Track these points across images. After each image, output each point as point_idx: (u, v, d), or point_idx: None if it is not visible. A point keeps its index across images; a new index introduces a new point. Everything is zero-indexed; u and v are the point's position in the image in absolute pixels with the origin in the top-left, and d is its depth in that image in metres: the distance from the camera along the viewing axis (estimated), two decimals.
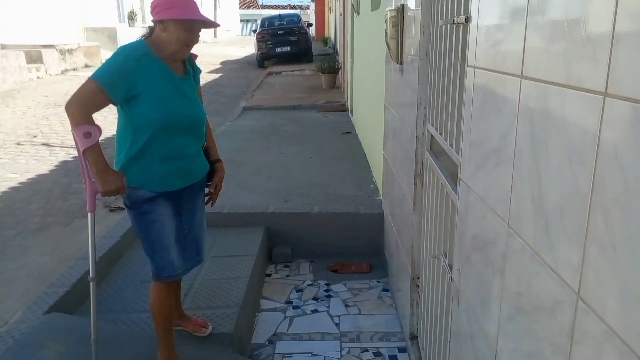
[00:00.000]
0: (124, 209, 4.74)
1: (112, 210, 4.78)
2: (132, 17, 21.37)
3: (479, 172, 1.45)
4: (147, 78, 1.97)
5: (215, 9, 35.04)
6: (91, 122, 1.94)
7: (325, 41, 26.76)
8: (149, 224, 2.10)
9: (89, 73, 2.15)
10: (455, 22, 1.65)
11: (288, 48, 16.39)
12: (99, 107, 1.97)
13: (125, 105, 1.99)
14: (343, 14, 9.70)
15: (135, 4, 22.04)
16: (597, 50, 0.81)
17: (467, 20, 1.51)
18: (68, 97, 1.99)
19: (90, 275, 2.14)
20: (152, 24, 2.07)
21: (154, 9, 1.99)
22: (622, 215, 0.75)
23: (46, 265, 3.66)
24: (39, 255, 3.83)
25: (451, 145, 1.80)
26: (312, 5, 37.84)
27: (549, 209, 0.99)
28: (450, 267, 1.80)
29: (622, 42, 0.74)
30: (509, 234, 1.21)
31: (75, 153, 6.50)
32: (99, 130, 1.95)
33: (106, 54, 16.77)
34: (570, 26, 0.90)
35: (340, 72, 10.82)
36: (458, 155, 1.66)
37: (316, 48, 20.00)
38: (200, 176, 2.24)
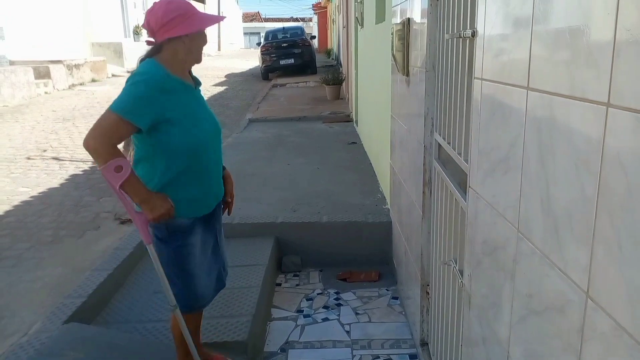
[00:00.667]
0: None
1: (122, 223, 4.86)
2: (137, 32, 21.63)
3: (488, 180, 1.50)
4: (175, 101, 1.92)
5: (219, 23, 35.20)
6: (117, 154, 1.84)
7: (328, 53, 26.97)
8: (186, 256, 2.01)
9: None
10: (462, 36, 1.71)
11: (292, 60, 16.54)
12: (122, 138, 1.90)
13: (154, 131, 1.89)
14: (347, 27, 9.81)
15: (140, 18, 22.32)
16: (599, 63, 0.87)
17: (474, 34, 1.57)
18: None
19: (171, 304, 2.09)
20: (150, 39, 1.98)
21: (168, 23, 1.88)
22: (627, 217, 0.81)
23: (61, 277, 3.72)
24: (53, 267, 3.89)
25: (459, 153, 1.86)
26: (315, 18, 38.15)
27: (557, 213, 1.05)
28: (461, 272, 1.85)
29: (622, 55, 0.80)
30: (518, 238, 1.26)
31: (85, 167, 6.64)
32: (128, 160, 1.86)
33: (112, 69, 17.00)
34: (573, 40, 0.96)
35: (344, 84, 10.92)
36: (467, 163, 1.71)
37: (319, 60, 20.16)
38: (223, 189, 2.20)
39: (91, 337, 2.41)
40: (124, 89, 1.88)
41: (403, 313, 3.19)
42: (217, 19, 2.08)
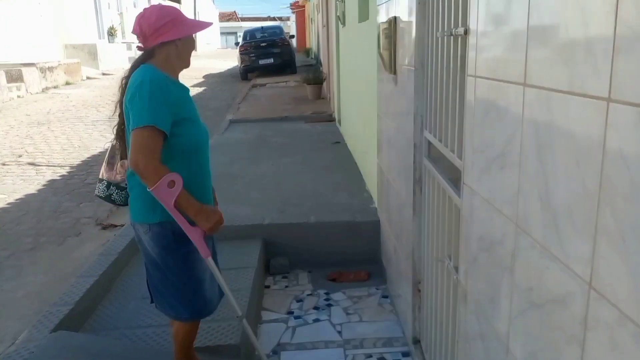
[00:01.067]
0: (116, 226, 4.77)
1: (104, 228, 4.79)
2: (112, 33, 21.33)
3: (483, 176, 1.51)
4: (183, 101, 1.95)
5: (206, 28, 34.84)
6: (166, 169, 1.80)
7: (307, 52, 26.95)
8: (193, 262, 1.99)
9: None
10: (454, 34, 1.73)
11: (271, 60, 16.52)
12: (160, 149, 1.84)
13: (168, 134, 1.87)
14: (327, 26, 9.82)
15: (115, 19, 22.02)
16: (598, 58, 0.89)
17: (466, 32, 1.58)
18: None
19: (239, 313, 2.13)
20: (140, 45, 1.98)
21: (160, 28, 1.91)
22: (629, 209, 0.82)
23: (43, 284, 3.66)
24: (35, 275, 3.82)
25: (452, 151, 1.87)
26: (293, 17, 38.08)
27: (558, 207, 1.06)
28: (456, 269, 1.87)
29: (623, 51, 0.82)
30: (517, 232, 1.28)
31: (63, 172, 6.52)
32: (178, 175, 1.83)
33: (87, 71, 16.73)
34: (571, 35, 0.98)
35: (325, 83, 10.93)
36: (461, 160, 1.73)
37: (299, 59, 20.14)
38: None
39: (81, 345, 2.37)
40: (137, 102, 1.82)
41: (394, 311, 3.20)
42: (205, 24, 2.09)
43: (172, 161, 1.87)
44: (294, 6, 34.08)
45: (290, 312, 3.23)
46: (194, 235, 1.92)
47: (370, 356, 2.77)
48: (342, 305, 3.30)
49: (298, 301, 3.37)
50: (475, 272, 1.63)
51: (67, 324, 2.52)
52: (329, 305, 3.31)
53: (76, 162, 6.91)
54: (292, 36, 22.44)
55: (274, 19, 50.74)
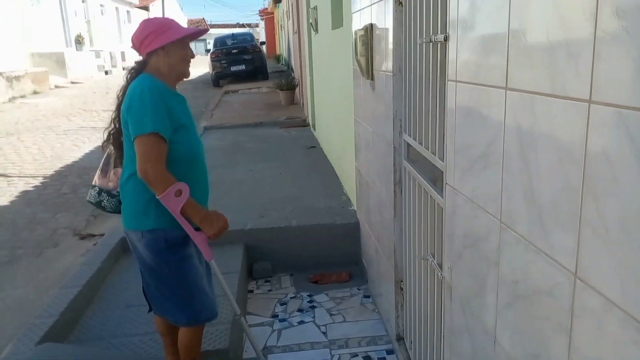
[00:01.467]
0: (95, 235, 4.71)
1: (82, 238, 4.72)
2: (79, 41, 20.95)
3: (466, 176, 1.58)
4: (179, 108, 1.98)
5: (194, 33, 34.54)
6: (174, 178, 1.87)
7: (277, 58, 27.00)
8: (189, 267, 2.02)
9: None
10: (433, 40, 1.80)
11: (243, 66, 16.53)
12: (165, 156, 1.89)
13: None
14: (299, 32, 9.87)
15: (82, 27, 21.63)
16: (579, 62, 0.96)
17: (446, 39, 1.65)
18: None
19: (238, 312, 2.21)
20: (139, 57, 2.04)
21: (144, 40, 1.97)
22: (612, 202, 0.89)
23: (22, 298, 3.59)
24: (13, 289, 3.74)
25: (433, 153, 1.94)
26: (262, 24, 38.06)
27: (542, 202, 1.13)
28: (440, 266, 1.93)
29: (603, 55, 0.89)
30: (502, 228, 1.35)
31: (36, 182, 6.38)
32: (185, 184, 1.90)
33: (55, 80, 16.39)
34: (552, 40, 1.05)
35: (297, 89, 10.99)
36: (442, 161, 1.80)
37: (270, 65, 20.18)
38: None
39: (69, 356, 2.35)
40: (137, 109, 1.85)
41: (376, 310, 3.26)
42: (195, 30, 2.09)
43: (170, 168, 1.90)
44: (262, 13, 34.11)
45: (275, 316, 3.26)
46: (199, 240, 2.00)
47: (356, 355, 2.82)
48: (326, 307, 3.34)
49: (282, 304, 3.40)
50: (460, 268, 1.70)
51: (53, 336, 2.49)
52: (313, 307, 3.35)
53: (49, 172, 6.78)
54: (263, 43, 22.52)
55: (242, 25, 50.57)
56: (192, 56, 2.08)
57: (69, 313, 2.70)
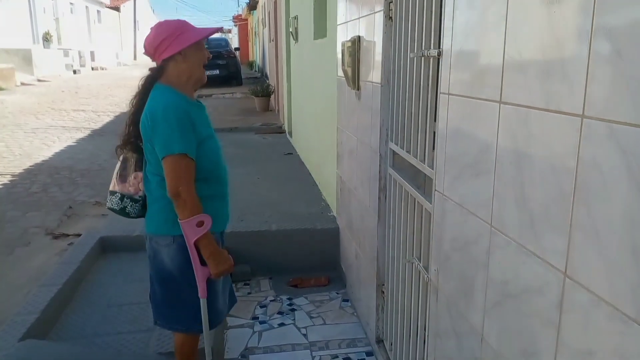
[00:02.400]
0: (68, 235, 4.64)
1: (55, 238, 4.65)
2: (47, 39, 20.49)
3: (456, 183, 1.68)
4: (200, 121, 1.96)
5: (134, 32, 34.32)
6: (201, 207, 1.88)
7: (251, 65, 26.96)
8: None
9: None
10: (426, 55, 1.90)
11: (217, 71, 16.48)
12: (194, 177, 1.90)
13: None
14: (275, 40, 9.95)
15: (51, 25, 21.17)
16: (573, 79, 1.06)
17: (440, 54, 1.76)
18: None
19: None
20: (153, 64, 2.00)
21: (159, 45, 1.92)
22: (602, 207, 0.99)
23: None
24: None
25: (422, 161, 2.04)
26: (235, 30, 37.96)
27: (534, 208, 1.23)
28: (426, 268, 2.02)
29: (597, 73, 0.99)
30: (492, 232, 1.44)
31: (4, 180, 6.23)
32: (209, 217, 1.89)
33: (22, 77, 15.98)
34: (548, 59, 1.15)
35: (273, 96, 11.04)
36: (432, 169, 1.90)
37: (243, 72, 20.15)
38: None
39: (50, 352, 2.34)
40: (161, 132, 1.85)
41: (355, 314, 3.34)
42: (210, 31, 2.06)
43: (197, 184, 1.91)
44: (236, 19, 34.04)
45: (255, 318, 3.30)
46: (200, 275, 1.97)
47: (336, 357, 2.89)
48: (306, 310, 3.40)
49: (262, 307, 3.44)
50: (447, 271, 1.79)
51: (34, 333, 2.47)
52: (293, 309, 3.40)
53: (18, 170, 6.63)
54: (237, 48, 22.48)
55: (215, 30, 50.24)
56: (209, 56, 2.04)
57: (49, 311, 2.68)
